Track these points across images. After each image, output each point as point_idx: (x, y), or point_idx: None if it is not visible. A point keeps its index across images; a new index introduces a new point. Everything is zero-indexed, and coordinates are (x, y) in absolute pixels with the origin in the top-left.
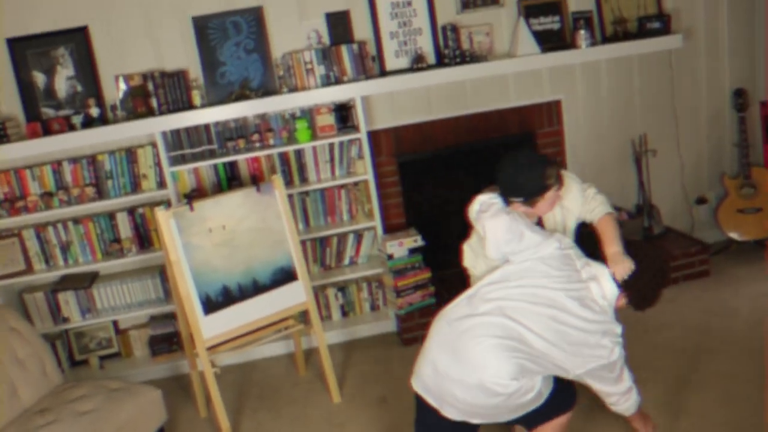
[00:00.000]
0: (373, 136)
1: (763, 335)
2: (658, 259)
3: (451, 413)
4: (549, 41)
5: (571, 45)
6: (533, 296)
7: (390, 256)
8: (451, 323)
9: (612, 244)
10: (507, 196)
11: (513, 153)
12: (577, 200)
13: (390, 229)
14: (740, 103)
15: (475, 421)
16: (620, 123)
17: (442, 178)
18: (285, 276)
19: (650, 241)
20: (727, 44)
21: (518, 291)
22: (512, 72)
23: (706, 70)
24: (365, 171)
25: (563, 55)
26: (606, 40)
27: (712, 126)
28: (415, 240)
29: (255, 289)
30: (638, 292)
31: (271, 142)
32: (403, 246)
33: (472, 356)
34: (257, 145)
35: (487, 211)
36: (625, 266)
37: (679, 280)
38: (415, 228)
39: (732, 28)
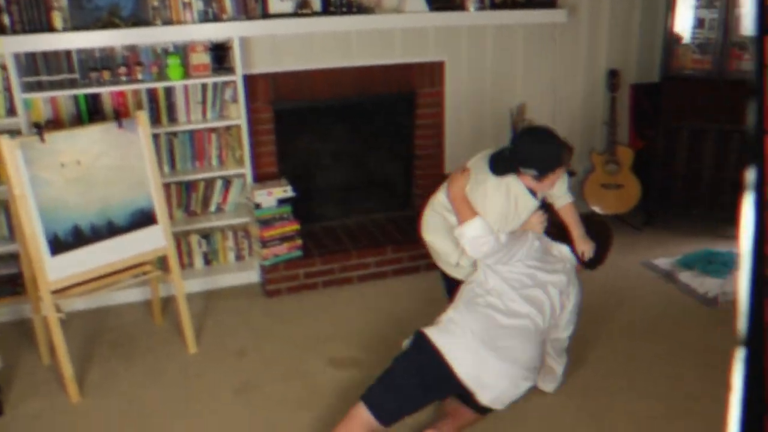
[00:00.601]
0: (250, 80)
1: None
2: (606, 231)
3: None
4: (438, 0)
5: (459, 7)
6: None
7: (258, 206)
8: None
9: (578, 228)
10: (521, 166)
11: (534, 128)
12: (561, 184)
13: (260, 178)
14: (613, 84)
15: None
16: (501, 90)
17: (318, 130)
18: (144, 219)
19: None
20: (607, 25)
21: None
22: (399, 28)
23: (585, 47)
24: (238, 116)
25: (451, 16)
26: (495, 6)
27: (587, 103)
28: (284, 190)
29: (110, 230)
30: (593, 259)
31: (140, 76)
32: (272, 196)
33: None
34: (124, 78)
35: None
36: (590, 246)
37: None
38: (287, 179)
39: (614, 9)
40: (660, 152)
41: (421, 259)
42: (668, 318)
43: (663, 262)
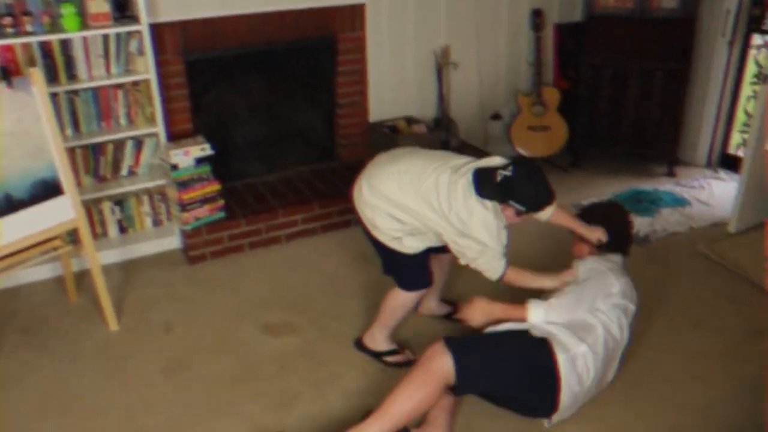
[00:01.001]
0: (157, 29)
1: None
2: (610, 208)
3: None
4: None
5: None
6: None
7: (174, 167)
8: None
9: (576, 222)
10: (511, 199)
11: (531, 164)
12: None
13: (175, 136)
14: (537, 23)
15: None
16: (424, 33)
17: (234, 81)
18: (48, 190)
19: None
20: None
21: None
22: None
23: None
24: (146, 69)
25: None
26: None
27: (511, 44)
28: (202, 149)
29: (9, 205)
30: (618, 239)
31: (29, 28)
32: (189, 155)
33: None
34: (10, 30)
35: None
36: (598, 231)
37: None
38: (204, 135)
39: None
40: (584, 92)
41: (351, 214)
42: None
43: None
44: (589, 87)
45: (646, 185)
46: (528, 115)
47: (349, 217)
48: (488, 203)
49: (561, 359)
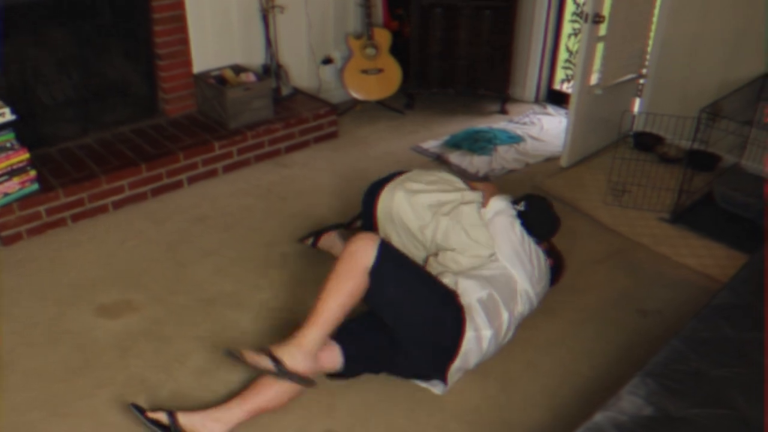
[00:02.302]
0: None
1: None
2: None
3: None
4: None
5: None
6: None
7: None
8: None
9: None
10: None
11: (545, 199)
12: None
13: None
14: None
15: None
16: None
17: (35, 33)
18: None
19: (282, 102)
20: None
21: None
22: None
23: None
24: None
25: None
26: None
27: None
28: (1, 114)
29: None
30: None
31: None
32: None
33: None
34: None
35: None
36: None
37: (311, 143)
38: (3, 98)
39: None
40: (415, 32)
41: (183, 173)
42: None
43: (431, 144)
44: (419, 27)
45: (481, 124)
46: (360, 58)
47: (181, 177)
48: None
49: (468, 336)
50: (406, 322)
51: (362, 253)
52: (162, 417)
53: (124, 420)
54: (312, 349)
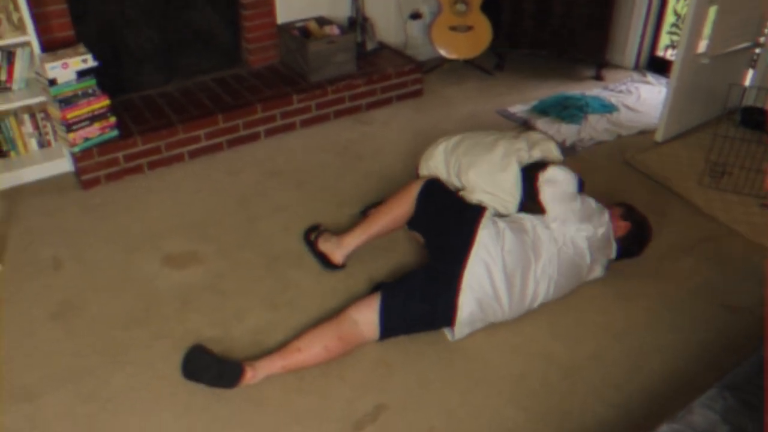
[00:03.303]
0: None
1: None
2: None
3: None
4: None
5: None
6: None
7: (52, 82)
8: None
9: None
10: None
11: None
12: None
13: (53, 45)
14: None
15: None
16: None
17: None
18: None
19: (366, 57)
20: None
21: None
22: None
23: None
24: None
25: None
26: None
27: None
28: (84, 60)
29: None
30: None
31: None
32: (68, 68)
33: None
34: None
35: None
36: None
37: (393, 100)
38: (90, 43)
39: None
40: None
41: (260, 125)
42: None
43: (519, 109)
44: None
45: (574, 89)
46: (449, 14)
47: (258, 129)
48: None
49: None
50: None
51: (413, 188)
52: None
53: (179, 375)
54: (346, 245)
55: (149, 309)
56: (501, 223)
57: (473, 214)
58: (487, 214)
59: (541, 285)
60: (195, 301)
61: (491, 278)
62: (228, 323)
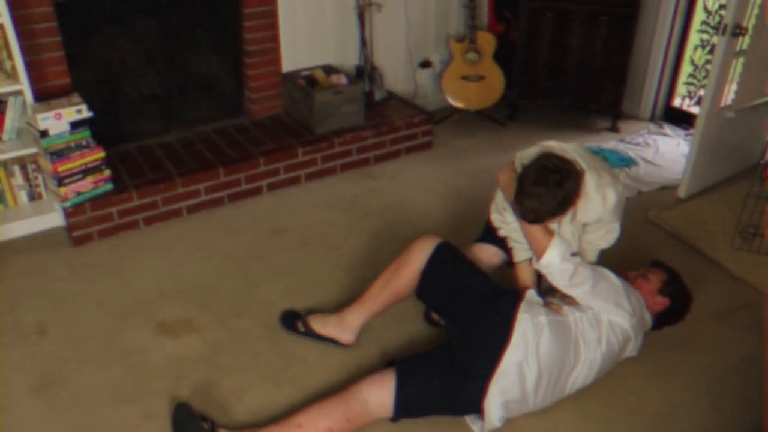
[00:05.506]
0: None
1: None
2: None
3: None
4: None
5: None
6: None
7: (44, 133)
8: None
9: None
10: None
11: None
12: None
13: (48, 93)
14: None
15: None
16: None
17: (122, 25)
18: None
19: (375, 107)
20: None
21: None
22: None
23: None
24: None
25: None
26: None
27: None
28: (78, 110)
29: None
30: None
31: None
32: (62, 119)
33: None
34: None
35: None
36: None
37: (402, 153)
38: (87, 91)
39: None
40: (522, 38)
41: (263, 179)
42: None
43: None
44: (527, 32)
45: (589, 142)
46: (461, 62)
47: (260, 183)
48: None
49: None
50: (457, 311)
51: (417, 253)
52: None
53: None
54: (351, 324)
55: (139, 383)
56: (542, 318)
57: (508, 303)
58: (523, 306)
59: (575, 386)
60: (188, 376)
61: (523, 383)
62: (226, 402)
